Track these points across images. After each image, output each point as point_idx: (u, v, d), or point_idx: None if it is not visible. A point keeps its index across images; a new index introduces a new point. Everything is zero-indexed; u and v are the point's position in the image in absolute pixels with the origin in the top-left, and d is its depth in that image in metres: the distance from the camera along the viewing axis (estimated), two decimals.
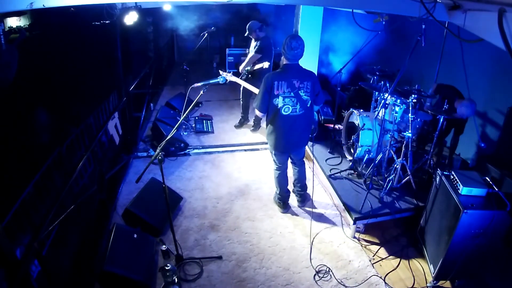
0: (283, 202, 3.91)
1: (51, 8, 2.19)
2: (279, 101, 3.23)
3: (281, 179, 3.78)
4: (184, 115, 3.04)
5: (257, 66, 5.34)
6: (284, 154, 3.66)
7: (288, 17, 6.52)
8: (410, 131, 3.61)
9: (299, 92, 3.24)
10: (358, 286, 3.00)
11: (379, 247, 3.44)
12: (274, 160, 3.73)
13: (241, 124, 6.14)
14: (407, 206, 3.63)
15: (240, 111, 6.10)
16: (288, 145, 3.53)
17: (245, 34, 5.39)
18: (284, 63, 3.23)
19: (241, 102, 5.97)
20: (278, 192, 3.88)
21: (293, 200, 4.03)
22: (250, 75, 5.46)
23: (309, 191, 3.96)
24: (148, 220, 3.36)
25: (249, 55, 5.45)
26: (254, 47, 5.36)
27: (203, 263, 3.14)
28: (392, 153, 3.85)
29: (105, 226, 3.48)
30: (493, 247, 2.75)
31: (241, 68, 5.53)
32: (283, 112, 3.28)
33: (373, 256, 3.33)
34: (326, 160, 4.58)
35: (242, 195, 4.21)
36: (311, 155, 4.92)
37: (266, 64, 5.22)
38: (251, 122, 6.12)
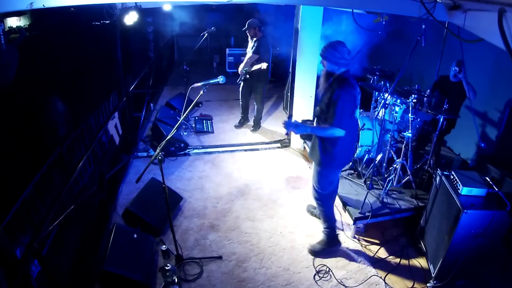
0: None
1: (51, 8, 2.19)
2: (357, 111, 2.91)
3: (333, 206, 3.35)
4: (184, 115, 3.04)
5: (255, 67, 5.35)
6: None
7: (288, 17, 6.51)
8: (410, 131, 3.61)
9: None
10: (358, 286, 3.00)
11: (379, 247, 3.44)
12: (330, 182, 3.14)
13: (241, 124, 6.14)
14: (407, 206, 3.63)
15: (240, 112, 6.10)
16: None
17: (243, 29, 5.38)
18: (342, 70, 2.80)
19: (241, 102, 5.97)
20: (333, 224, 3.33)
21: (294, 203, 4.03)
22: (248, 76, 5.47)
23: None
24: (148, 220, 3.36)
25: (247, 56, 5.46)
26: (252, 48, 5.37)
27: (203, 263, 3.14)
28: (392, 153, 3.85)
29: (105, 226, 3.48)
30: (493, 247, 2.75)
31: (240, 69, 5.54)
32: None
33: (373, 256, 3.33)
34: None
35: (242, 195, 4.21)
36: None
37: (264, 65, 5.22)
38: (251, 122, 6.12)
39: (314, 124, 3.12)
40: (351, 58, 2.90)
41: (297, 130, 2.94)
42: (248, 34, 5.39)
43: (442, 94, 3.99)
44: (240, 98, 5.92)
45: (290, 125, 2.93)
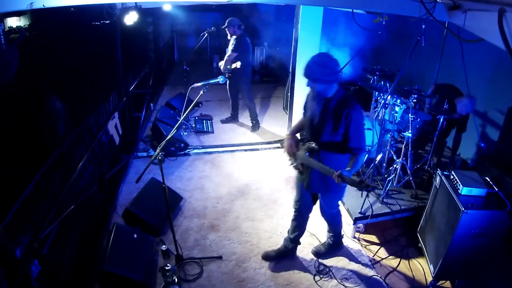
0: None
1: (51, 8, 2.19)
2: None
3: None
4: (184, 115, 3.04)
5: (233, 66, 5.45)
6: None
7: (288, 17, 6.51)
8: (410, 131, 3.61)
9: None
10: (358, 286, 3.00)
11: (379, 247, 3.44)
12: (339, 198, 3.04)
13: (227, 121, 6.24)
14: (407, 206, 3.63)
15: (230, 110, 6.18)
16: None
17: (223, 27, 5.47)
18: (337, 89, 2.48)
19: (230, 100, 6.05)
20: (340, 231, 3.31)
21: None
22: (231, 74, 5.51)
23: None
24: (148, 220, 3.36)
25: (227, 54, 5.51)
26: (232, 45, 5.43)
27: (203, 263, 3.14)
28: (392, 153, 3.85)
29: (105, 226, 3.48)
30: (493, 247, 2.75)
31: (222, 67, 5.58)
32: None
33: (373, 256, 3.33)
34: None
35: (242, 195, 4.21)
36: None
37: (238, 64, 5.34)
38: (242, 121, 6.17)
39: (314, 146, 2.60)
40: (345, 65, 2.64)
41: (344, 180, 2.31)
42: (227, 32, 5.46)
43: (443, 98, 3.98)
44: (229, 95, 5.99)
45: (347, 176, 2.27)
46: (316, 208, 3.07)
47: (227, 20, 5.38)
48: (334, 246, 3.33)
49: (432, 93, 4.01)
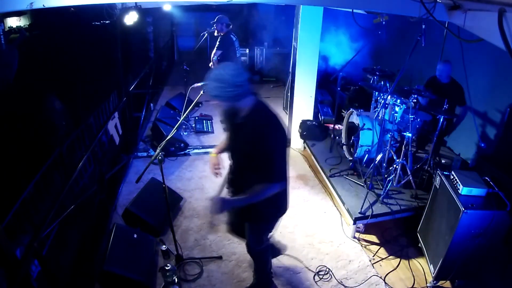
0: None
1: (51, 8, 2.19)
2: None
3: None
4: (184, 115, 3.04)
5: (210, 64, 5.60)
6: None
7: (288, 17, 6.52)
8: (410, 131, 3.61)
9: None
10: (358, 286, 3.00)
11: (379, 247, 3.44)
12: (271, 230, 2.55)
13: None
14: (407, 206, 3.63)
15: None
16: None
17: (211, 22, 5.57)
18: (248, 101, 2.09)
19: None
20: (270, 269, 2.85)
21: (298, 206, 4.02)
22: None
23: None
24: (148, 220, 3.36)
25: (213, 52, 5.58)
26: (217, 42, 5.52)
27: (203, 263, 3.14)
28: (392, 153, 3.84)
29: (105, 226, 3.48)
30: (493, 247, 2.75)
31: (212, 67, 5.60)
32: None
33: (373, 256, 3.33)
34: (326, 160, 4.57)
35: None
36: (311, 155, 4.93)
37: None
38: None
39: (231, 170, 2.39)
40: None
41: (224, 207, 2.14)
42: (215, 28, 5.55)
43: (435, 94, 3.99)
44: None
45: (223, 205, 2.10)
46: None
47: (217, 17, 5.48)
48: (264, 286, 2.85)
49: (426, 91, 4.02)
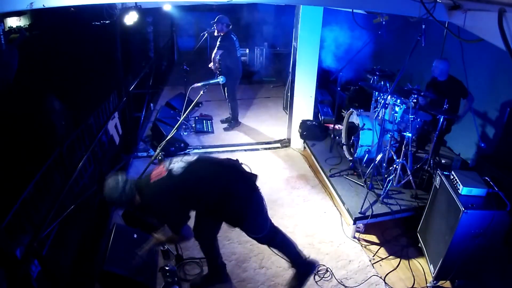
0: None
1: (51, 8, 2.19)
2: None
3: None
4: (184, 115, 3.04)
5: (209, 65, 5.57)
6: None
7: (288, 17, 6.52)
8: (410, 131, 3.61)
9: None
10: (358, 286, 3.00)
11: (379, 247, 3.44)
12: (265, 219, 2.84)
13: (226, 121, 6.19)
14: (407, 206, 3.63)
15: (229, 112, 6.14)
16: None
17: (211, 22, 5.53)
18: None
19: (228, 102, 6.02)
20: (298, 251, 2.87)
21: (296, 204, 4.01)
22: (219, 72, 5.55)
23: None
24: (148, 220, 3.35)
25: (214, 52, 5.56)
26: (218, 42, 5.50)
27: (203, 263, 3.14)
28: (392, 153, 3.84)
29: (105, 226, 3.48)
30: (493, 247, 2.75)
31: (213, 67, 5.60)
32: None
33: (373, 256, 3.33)
34: (326, 160, 4.57)
35: None
36: (311, 155, 4.93)
37: (211, 65, 5.56)
38: (245, 122, 6.17)
39: None
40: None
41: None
42: (215, 28, 5.53)
43: (436, 94, 3.99)
44: (226, 97, 5.99)
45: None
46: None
47: (217, 17, 5.45)
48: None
49: (428, 91, 4.02)
